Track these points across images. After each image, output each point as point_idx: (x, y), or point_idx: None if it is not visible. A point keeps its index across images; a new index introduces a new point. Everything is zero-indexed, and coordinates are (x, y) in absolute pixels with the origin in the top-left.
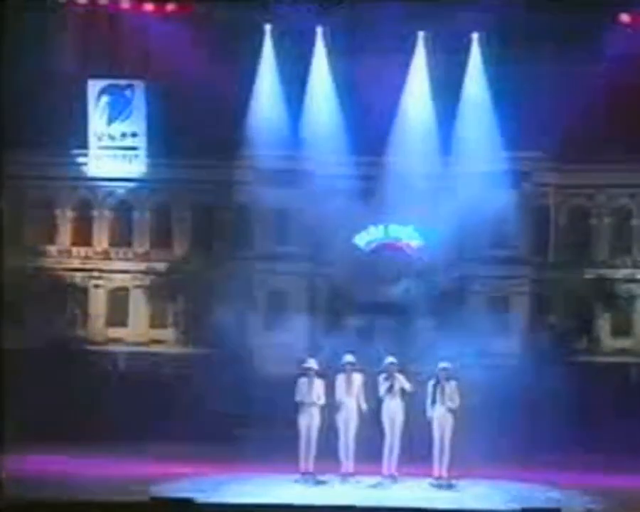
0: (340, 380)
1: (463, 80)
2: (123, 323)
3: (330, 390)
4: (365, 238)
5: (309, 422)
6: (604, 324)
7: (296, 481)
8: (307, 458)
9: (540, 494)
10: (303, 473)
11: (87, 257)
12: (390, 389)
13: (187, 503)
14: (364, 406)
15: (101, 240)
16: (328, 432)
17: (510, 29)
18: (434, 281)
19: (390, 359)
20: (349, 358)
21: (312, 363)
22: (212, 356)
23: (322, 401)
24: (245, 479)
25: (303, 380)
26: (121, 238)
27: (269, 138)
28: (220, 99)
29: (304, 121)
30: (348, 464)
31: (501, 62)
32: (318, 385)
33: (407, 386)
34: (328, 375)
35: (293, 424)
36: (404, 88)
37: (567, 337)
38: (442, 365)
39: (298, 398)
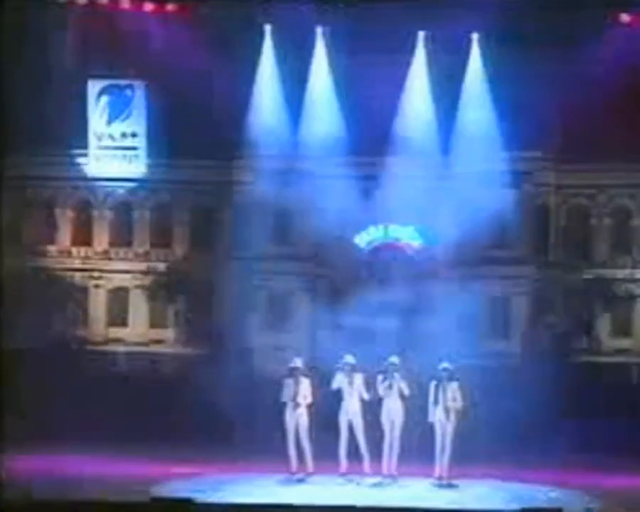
0: (341, 380)
1: (463, 80)
2: (123, 323)
3: (317, 389)
4: (365, 238)
5: (297, 421)
6: (604, 324)
7: (284, 481)
8: (301, 458)
9: (541, 494)
10: (293, 473)
11: (87, 257)
12: (389, 389)
13: (187, 503)
14: (365, 406)
15: (101, 240)
16: (324, 431)
17: (510, 29)
18: (434, 281)
19: (392, 359)
20: (349, 358)
21: (298, 363)
22: (212, 356)
23: (309, 400)
24: (245, 479)
25: (289, 380)
26: (121, 238)
27: (269, 138)
28: (220, 100)
29: (303, 121)
30: (349, 463)
31: (501, 62)
32: (305, 384)
33: (406, 387)
34: (312, 375)
35: None
36: (405, 88)
37: (567, 337)
38: (443, 365)
39: (284, 398)
